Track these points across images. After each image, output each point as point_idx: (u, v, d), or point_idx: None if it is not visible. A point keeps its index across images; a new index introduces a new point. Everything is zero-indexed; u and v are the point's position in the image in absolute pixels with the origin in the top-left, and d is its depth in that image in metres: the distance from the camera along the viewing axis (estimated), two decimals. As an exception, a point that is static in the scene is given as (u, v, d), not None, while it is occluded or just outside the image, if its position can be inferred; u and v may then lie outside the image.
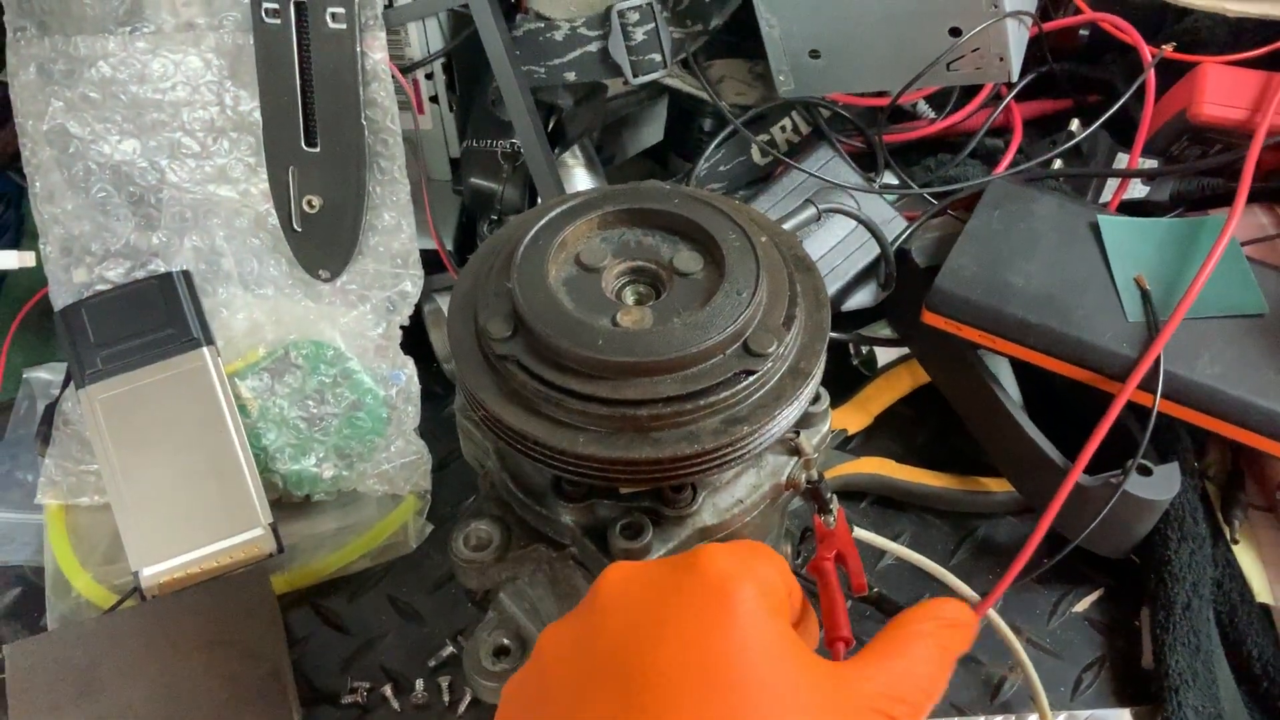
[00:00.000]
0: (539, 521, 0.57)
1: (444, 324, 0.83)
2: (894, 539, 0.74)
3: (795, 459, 0.58)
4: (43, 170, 0.77)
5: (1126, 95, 0.80)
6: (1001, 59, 0.79)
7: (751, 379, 0.50)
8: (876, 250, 0.80)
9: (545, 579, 0.60)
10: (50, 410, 0.80)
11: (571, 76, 0.80)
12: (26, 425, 0.83)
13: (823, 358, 0.53)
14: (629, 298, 0.55)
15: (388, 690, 0.69)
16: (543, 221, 0.55)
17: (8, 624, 0.73)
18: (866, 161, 0.88)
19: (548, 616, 0.63)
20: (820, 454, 0.59)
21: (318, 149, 0.75)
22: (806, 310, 0.54)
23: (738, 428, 0.50)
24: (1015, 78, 0.80)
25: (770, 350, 0.51)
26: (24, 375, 0.85)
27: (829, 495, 0.59)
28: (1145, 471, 0.68)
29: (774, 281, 0.54)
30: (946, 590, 0.72)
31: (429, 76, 0.83)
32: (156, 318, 0.75)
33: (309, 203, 0.76)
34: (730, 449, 0.50)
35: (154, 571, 0.71)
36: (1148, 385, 0.68)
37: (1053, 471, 0.70)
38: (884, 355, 0.83)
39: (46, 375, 0.85)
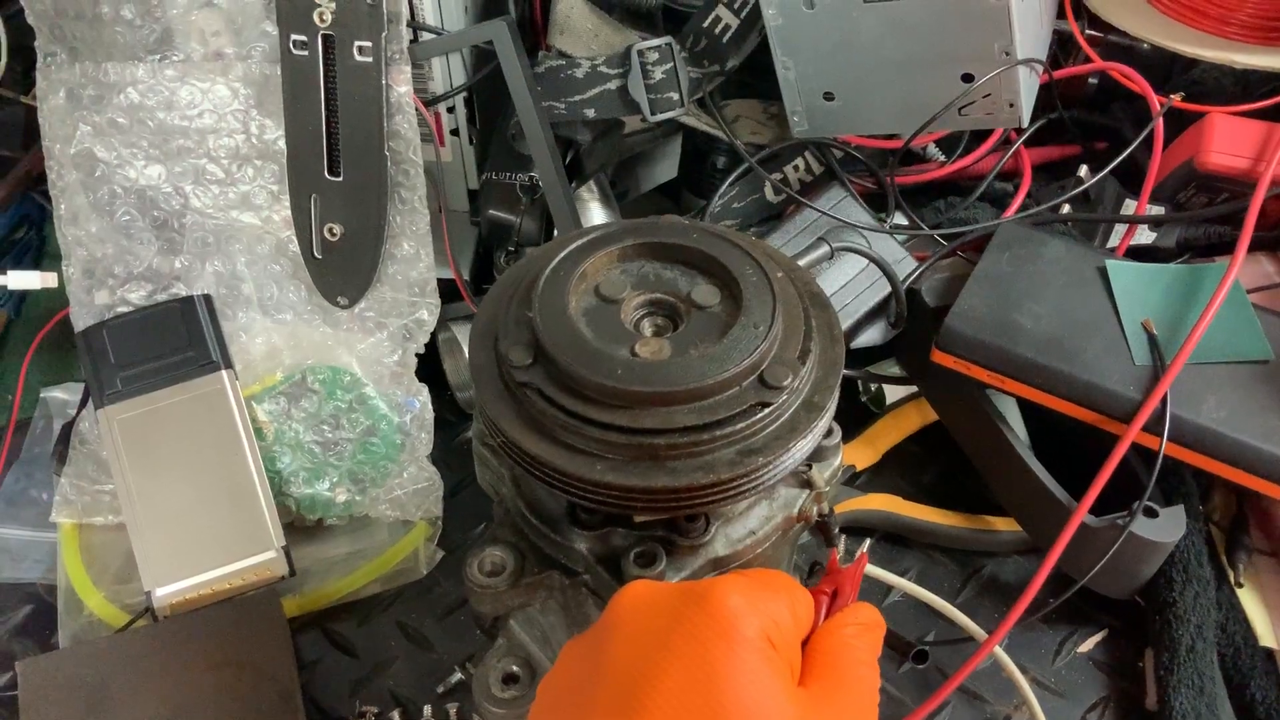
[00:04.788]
0: (553, 549, 0.57)
1: (459, 352, 0.84)
2: (901, 575, 0.75)
3: (807, 492, 0.58)
4: (68, 193, 0.78)
5: (1135, 143, 0.82)
6: (1012, 105, 0.80)
7: (767, 411, 0.51)
8: (886, 289, 0.81)
9: (558, 606, 0.60)
10: (67, 430, 0.81)
11: (591, 113, 0.81)
12: (42, 444, 0.84)
13: (836, 392, 0.54)
14: (647, 329, 0.56)
15: (395, 715, 0.69)
16: (564, 253, 0.56)
17: (19, 641, 0.74)
18: (877, 202, 0.89)
19: (559, 645, 0.63)
20: (832, 488, 0.60)
21: (340, 178, 0.76)
22: (821, 345, 0.55)
23: (753, 459, 0.51)
24: (1026, 123, 0.81)
25: (786, 383, 0.52)
26: (41, 394, 0.86)
27: (837, 529, 0.60)
28: (1151, 513, 0.69)
29: (789, 316, 0.55)
30: (953, 628, 0.72)
31: (450, 110, 0.84)
32: (177, 340, 0.76)
33: (330, 231, 0.77)
34: (745, 480, 0.51)
35: (167, 592, 0.72)
36: (1153, 428, 0.69)
37: (1059, 511, 0.71)
38: (892, 393, 0.84)
39: (63, 395, 0.86)
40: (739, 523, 0.57)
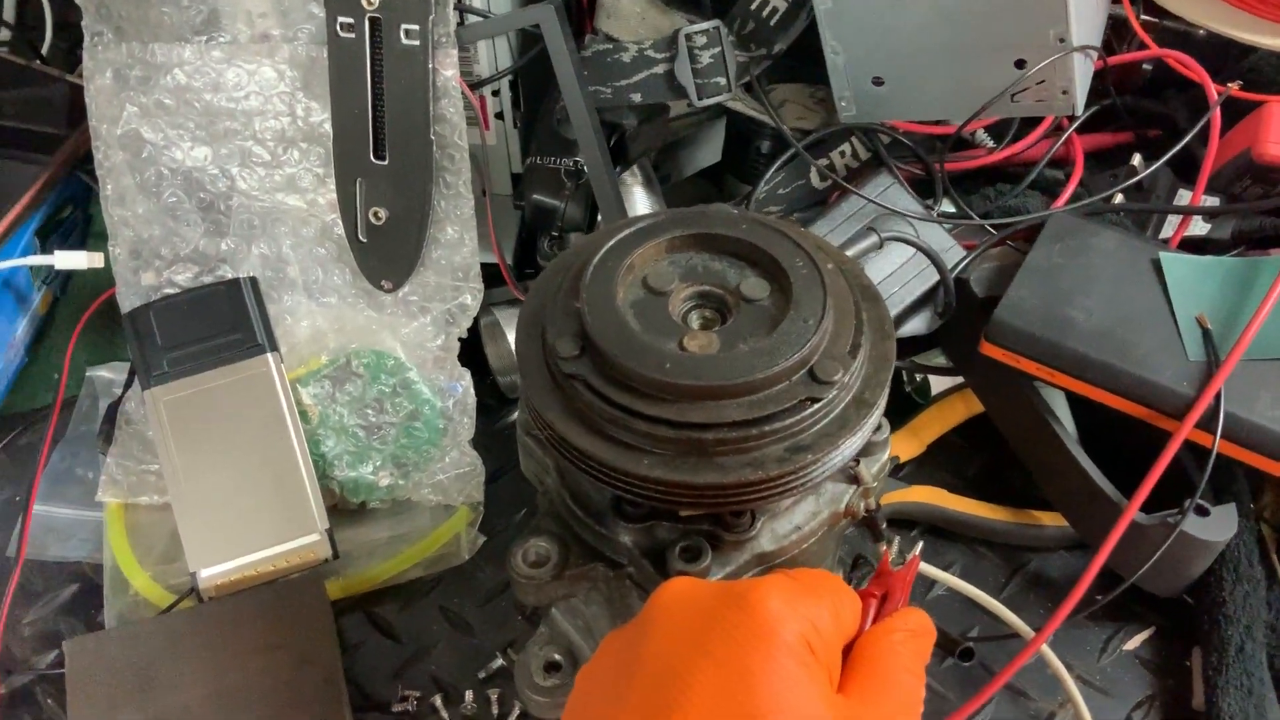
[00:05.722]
0: (597, 540, 0.57)
1: (500, 338, 0.84)
2: (945, 569, 0.74)
3: (854, 487, 0.58)
4: (115, 174, 0.78)
5: (1192, 133, 0.80)
6: (1065, 92, 0.79)
7: (816, 406, 0.51)
8: (933, 278, 0.79)
9: (601, 598, 0.60)
10: (113, 410, 0.81)
11: (637, 97, 0.81)
12: (89, 422, 0.85)
13: (887, 388, 0.54)
14: (695, 322, 0.55)
15: (437, 700, 0.69)
16: (611, 243, 0.56)
17: (65, 619, 0.75)
18: (924, 189, 0.87)
19: (601, 635, 0.63)
20: (879, 483, 0.59)
21: (386, 162, 0.76)
22: (872, 340, 0.55)
23: (802, 455, 0.50)
24: (1080, 111, 0.80)
25: (836, 378, 0.51)
26: (87, 373, 0.87)
27: (884, 525, 0.60)
28: (1203, 512, 0.68)
29: (841, 310, 0.54)
30: (997, 624, 0.72)
31: (496, 93, 0.84)
32: (223, 323, 0.76)
33: (375, 214, 0.77)
34: (794, 476, 0.51)
35: (211, 573, 0.72)
36: (1206, 425, 0.67)
37: (1108, 507, 0.70)
38: (937, 384, 0.83)
39: (109, 374, 0.86)
40: (785, 518, 0.56)
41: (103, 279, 0.83)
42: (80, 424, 0.85)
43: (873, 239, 0.68)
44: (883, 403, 0.54)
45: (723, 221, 0.57)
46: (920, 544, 0.57)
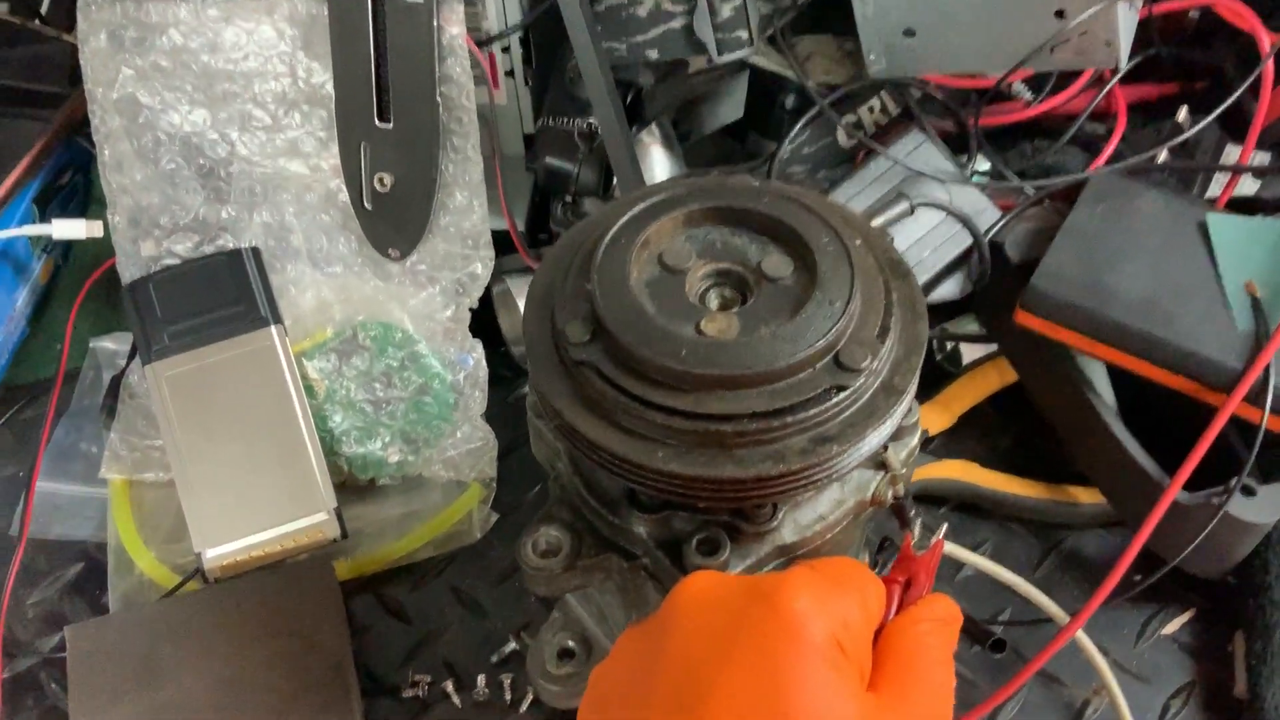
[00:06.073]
0: (611, 531, 0.55)
1: (513, 306, 0.81)
2: (975, 548, 0.72)
3: (882, 474, 0.55)
4: (112, 139, 0.75)
5: (1243, 87, 0.75)
6: (1109, 44, 0.74)
7: (842, 395, 0.48)
8: (966, 242, 0.76)
9: (615, 587, 0.58)
10: (116, 382, 0.79)
11: (654, 54, 0.77)
12: (92, 395, 0.83)
13: (917, 373, 0.50)
14: (713, 301, 0.52)
15: (449, 685, 0.68)
16: (625, 218, 0.52)
17: (70, 600, 0.73)
18: (957, 144, 0.83)
19: (615, 624, 0.61)
20: (908, 469, 0.56)
21: (391, 125, 0.72)
22: (902, 321, 0.51)
23: (826, 447, 0.47)
24: (1123, 64, 0.75)
25: (863, 365, 0.48)
26: (90, 344, 0.85)
27: (913, 512, 0.57)
28: (1249, 492, 0.65)
29: (868, 290, 0.51)
30: (1029, 606, 0.69)
31: (505, 50, 0.80)
32: (225, 295, 0.74)
33: (380, 180, 0.74)
34: (817, 469, 0.48)
35: (217, 554, 0.70)
36: (1255, 400, 0.64)
37: (1148, 485, 0.67)
38: (969, 351, 0.80)
39: (112, 345, 0.84)
40: (808, 508, 0.53)
41: (106, 247, 0.80)
42: (84, 397, 0.83)
43: (903, 205, 0.65)
44: (913, 388, 0.50)
45: (744, 193, 0.54)
46: (945, 526, 0.54)
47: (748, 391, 0.47)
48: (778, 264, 0.51)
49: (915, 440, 0.56)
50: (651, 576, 0.55)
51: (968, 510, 0.75)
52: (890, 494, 0.55)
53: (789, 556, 0.54)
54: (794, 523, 0.53)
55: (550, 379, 0.50)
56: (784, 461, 0.47)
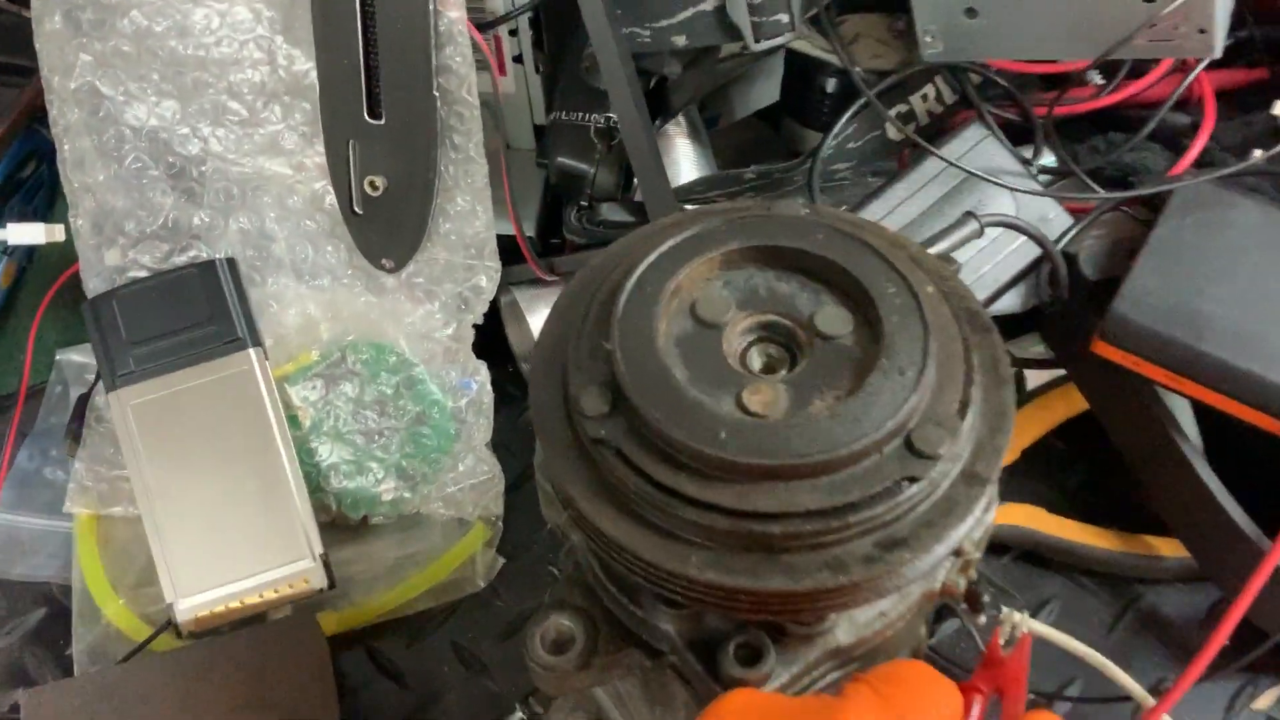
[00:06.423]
0: (633, 622, 0.47)
1: (523, 318, 0.74)
2: (1039, 607, 0.65)
3: (953, 560, 0.46)
4: (71, 133, 0.68)
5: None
6: (1203, 31, 0.65)
7: (915, 489, 0.39)
8: (1032, 254, 0.68)
9: (637, 681, 0.50)
10: (83, 403, 0.72)
11: (681, 41, 0.68)
12: (59, 414, 0.76)
13: (1003, 454, 0.42)
14: (756, 362, 0.44)
15: (449, 762, 0.61)
16: (650, 259, 0.44)
17: (31, 650, 0.67)
18: (1018, 135, 0.74)
19: (636, 712, 0.53)
20: (981, 551, 0.48)
21: (382, 121, 0.65)
22: (984, 390, 0.43)
23: (895, 553, 0.39)
24: (1219, 52, 0.66)
25: (941, 451, 0.39)
26: (57, 356, 0.77)
27: (988, 597, 0.49)
28: (1365, 558, 0.56)
29: (945, 353, 0.42)
30: (1101, 680, 0.61)
31: (513, 33, 0.72)
32: (197, 313, 0.67)
33: (371, 183, 0.66)
34: (885, 579, 0.39)
35: (191, 604, 0.64)
36: (1374, 450, 0.56)
37: (1241, 543, 0.59)
38: (1034, 376, 0.71)
39: (80, 358, 0.77)
40: (867, 605, 0.45)
41: (70, 247, 0.72)
42: (50, 415, 0.76)
43: (971, 226, 0.56)
44: (997, 475, 0.42)
45: (792, 228, 0.45)
46: (1028, 620, 0.46)
47: (801, 484, 0.39)
48: (834, 318, 0.43)
49: (990, 518, 0.48)
50: (679, 676, 0.47)
51: (1031, 561, 0.67)
52: (963, 582, 0.47)
53: (843, 660, 0.46)
54: (850, 622, 0.45)
55: (563, 459, 0.42)
56: (844, 571, 0.39)
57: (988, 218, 0.57)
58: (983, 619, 0.48)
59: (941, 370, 0.42)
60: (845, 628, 0.45)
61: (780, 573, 0.39)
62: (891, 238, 0.48)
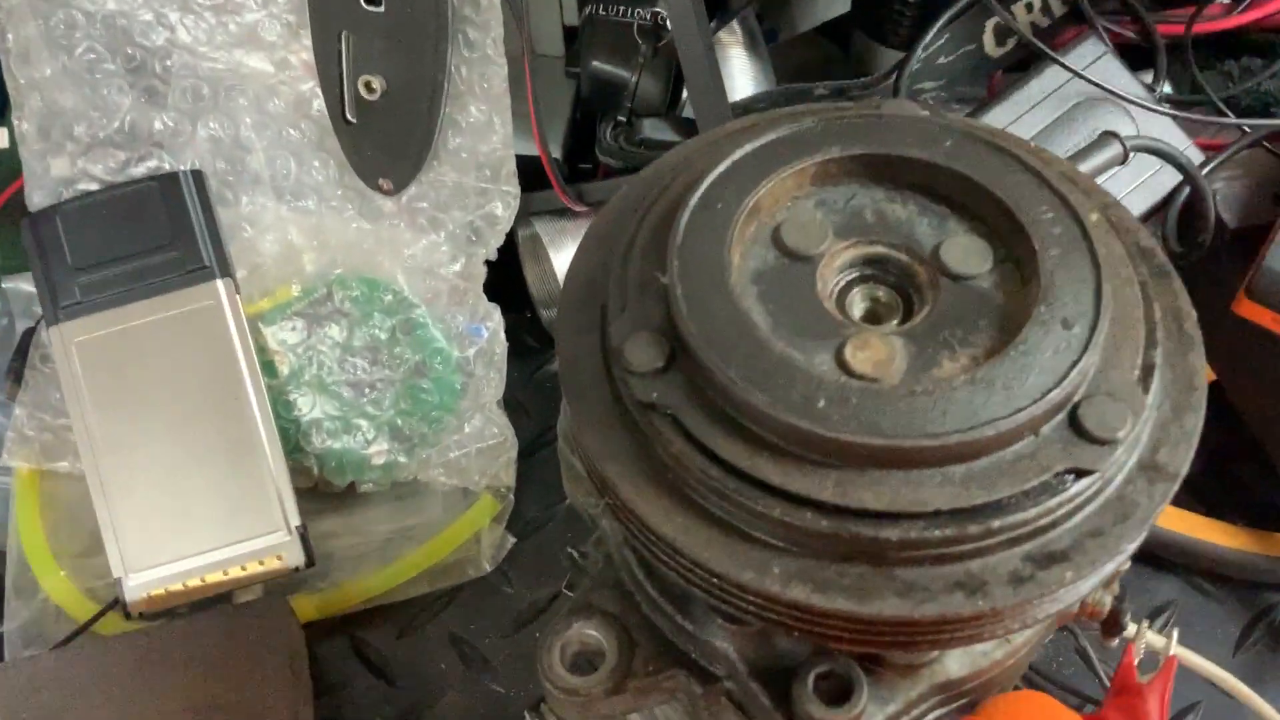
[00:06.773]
0: (680, 637, 0.38)
1: (544, 256, 0.66)
2: (1154, 614, 0.57)
3: (1096, 575, 0.36)
4: (14, 19, 0.60)
5: None
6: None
7: (1082, 484, 0.29)
8: (1160, 192, 0.59)
9: (683, 709, 0.40)
10: (26, 339, 0.64)
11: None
12: (5, 349, 0.66)
13: (1193, 443, 0.32)
14: (857, 307, 0.34)
15: (442, 782, 0.53)
16: (721, 168, 0.35)
17: (-42, 626, 0.59)
18: (1135, 59, 0.64)
19: (676, 737, 0.44)
20: (1127, 564, 0.38)
21: (381, 8, 0.58)
22: (1168, 353, 0.32)
23: (1052, 571, 0.30)
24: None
25: (1120, 433, 0.29)
26: (3, 284, 0.69)
27: (1129, 617, 0.39)
28: None
29: (1121, 302, 0.32)
30: (1232, 701, 0.52)
31: (542, -91, 0.62)
32: (156, 234, 0.60)
33: (368, 85, 0.59)
34: (1036, 604, 0.29)
35: (142, 581, 0.57)
36: None
37: None
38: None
39: (29, 287, 0.67)
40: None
41: (18, 158, 0.64)
42: (-7, 351, 0.66)
43: (1114, 149, 0.46)
44: (1185, 470, 0.32)
45: (911, 133, 0.35)
46: (1176, 633, 0.38)
47: (926, 473, 0.30)
48: (967, 251, 0.33)
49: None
50: (739, 708, 0.37)
51: (1144, 561, 0.59)
52: (1109, 601, 0.37)
53: (951, 694, 0.36)
54: (965, 649, 0.35)
55: (597, 426, 0.33)
56: (984, 594, 0.30)
57: (1132, 140, 0.46)
58: (1115, 642, 0.39)
59: (1116, 325, 0.31)
60: (958, 656, 0.35)
61: (894, 593, 0.30)
62: (1037, 150, 0.37)
